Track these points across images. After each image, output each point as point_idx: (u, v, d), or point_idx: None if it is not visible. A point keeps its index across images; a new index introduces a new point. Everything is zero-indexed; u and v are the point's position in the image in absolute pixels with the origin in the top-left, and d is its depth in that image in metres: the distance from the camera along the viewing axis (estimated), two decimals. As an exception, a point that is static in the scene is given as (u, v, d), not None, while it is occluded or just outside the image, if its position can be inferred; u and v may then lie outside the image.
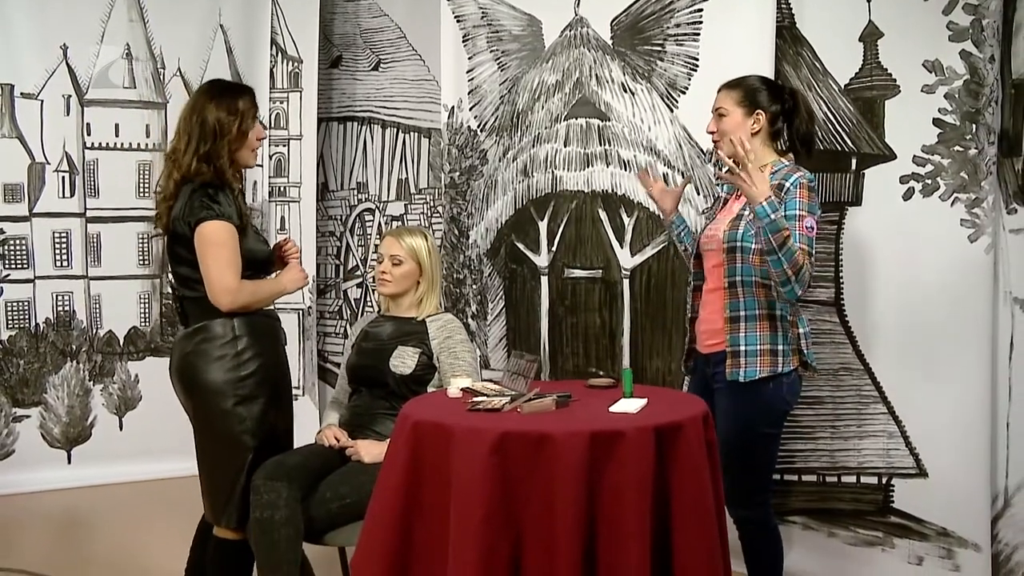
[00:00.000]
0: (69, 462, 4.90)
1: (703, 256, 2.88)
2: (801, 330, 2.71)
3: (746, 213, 2.69)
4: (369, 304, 5.38)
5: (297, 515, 2.63)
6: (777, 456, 2.83)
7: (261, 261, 2.80)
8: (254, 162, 2.83)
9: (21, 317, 4.82)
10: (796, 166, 2.73)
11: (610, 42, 3.90)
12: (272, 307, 2.88)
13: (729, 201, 2.90)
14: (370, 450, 2.86)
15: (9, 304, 4.80)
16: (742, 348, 2.68)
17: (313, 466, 2.81)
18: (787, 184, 2.65)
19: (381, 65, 5.29)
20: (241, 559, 2.76)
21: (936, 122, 3.03)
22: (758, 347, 2.68)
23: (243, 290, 2.65)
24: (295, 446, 2.96)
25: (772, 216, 2.52)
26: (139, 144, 5.00)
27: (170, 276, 2.83)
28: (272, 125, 5.24)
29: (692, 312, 2.93)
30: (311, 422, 5.10)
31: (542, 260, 4.10)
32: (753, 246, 2.66)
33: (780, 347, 2.68)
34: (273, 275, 2.92)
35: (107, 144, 4.96)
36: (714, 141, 2.86)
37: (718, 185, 3.00)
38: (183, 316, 2.78)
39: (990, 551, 2.98)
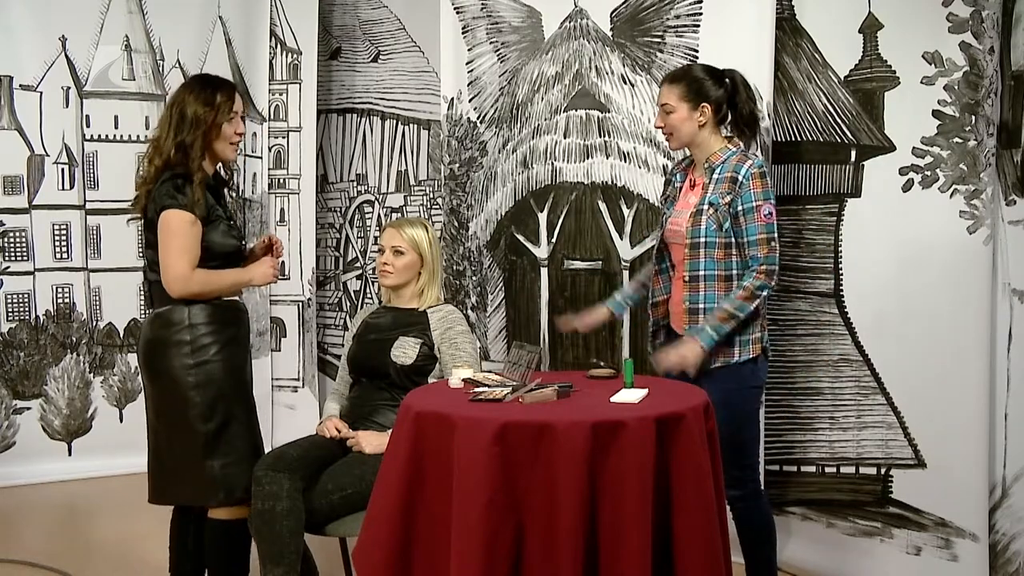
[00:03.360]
0: (69, 454, 4.91)
1: (669, 247, 2.95)
2: (752, 309, 2.75)
3: (705, 207, 2.78)
4: (369, 296, 5.38)
5: (299, 506, 2.64)
6: (759, 435, 2.89)
7: (227, 254, 2.81)
8: (233, 155, 2.87)
9: (21, 309, 4.83)
10: (743, 152, 2.82)
11: (610, 34, 3.90)
12: (238, 297, 2.90)
13: (684, 189, 2.96)
14: (371, 441, 2.87)
15: (9, 296, 4.80)
16: (701, 329, 2.76)
17: (314, 457, 2.82)
18: (739, 177, 2.75)
19: (380, 57, 5.29)
20: (240, 539, 2.79)
21: (935, 114, 3.03)
22: (703, 329, 2.75)
23: (193, 279, 2.68)
24: (297, 438, 2.98)
25: (720, 334, 2.71)
26: (138, 136, 5.00)
27: (144, 261, 2.87)
28: (271, 117, 5.24)
29: (654, 296, 3.01)
30: (311, 414, 5.12)
31: (542, 252, 4.10)
32: (717, 240, 2.77)
33: (737, 337, 2.77)
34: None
35: (106, 136, 4.96)
36: (666, 136, 2.94)
37: (672, 175, 3.04)
38: (149, 300, 2.84)
39: (988, 541, 2.99)
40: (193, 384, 2.71)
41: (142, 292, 2.94)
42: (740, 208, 2.74)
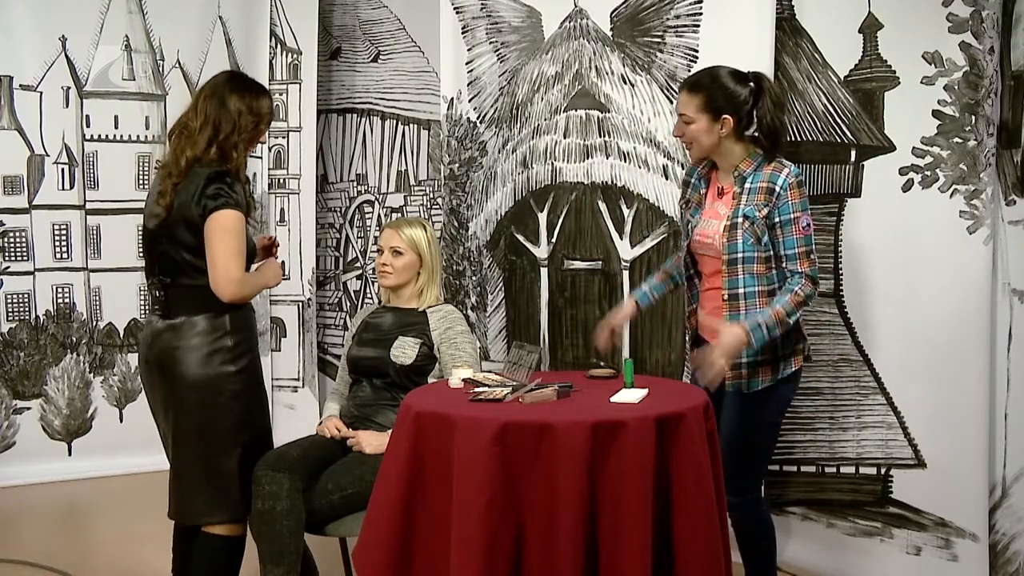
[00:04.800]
0: (70, 454, 4.90)
1: (696, 258, 2.85)
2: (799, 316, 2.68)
3: (740, 221, 2.66)
4: (369, 296, 5.38)
5: (299, 506, 2.64)
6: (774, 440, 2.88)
7: (253, 249, 2.81)
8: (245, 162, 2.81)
9: (21, 309, 4.83)
10: (779, 161, 2.69)
11: (610, 33, 3.90)
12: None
13: (709, 196, 2.83)
14: (371, 441, 2.87)
15: (9, 296, 4.80)
16: (743, 360, 2.67)
17: (314, 457, 2.82)
18: (776, 188, 2.63)
19: (380, 57, 5.29)
20: (234, 557, 2.73)
21: (935, 114, 3.03)
22: (759, 358, 2.68)
23: (247, 282, 2.63)
24: (297, 438, 2.98)
25: (770, 333, 2.58)
26: (138, 136, 5.00)
27: (157, 262, 2.69)
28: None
29: (691, 304, 2.93)
30: (311, 414, 5.12)
31: (542, 252, 4.10)
32: (756, 254, 2.65)
33: (780, 353, 2.70)
34: (253, 269, 2.87)
35: (106, 136, 4.96)
36: (684, 144, 2.83)
37: (692, 177, 2.89)
38: (165, 306, 2.67)
39: (988, 541, 2.99)
40: (234, 393, 2.65)
41: (143, 295, 2.77)
42: (778, 220, 2.62)
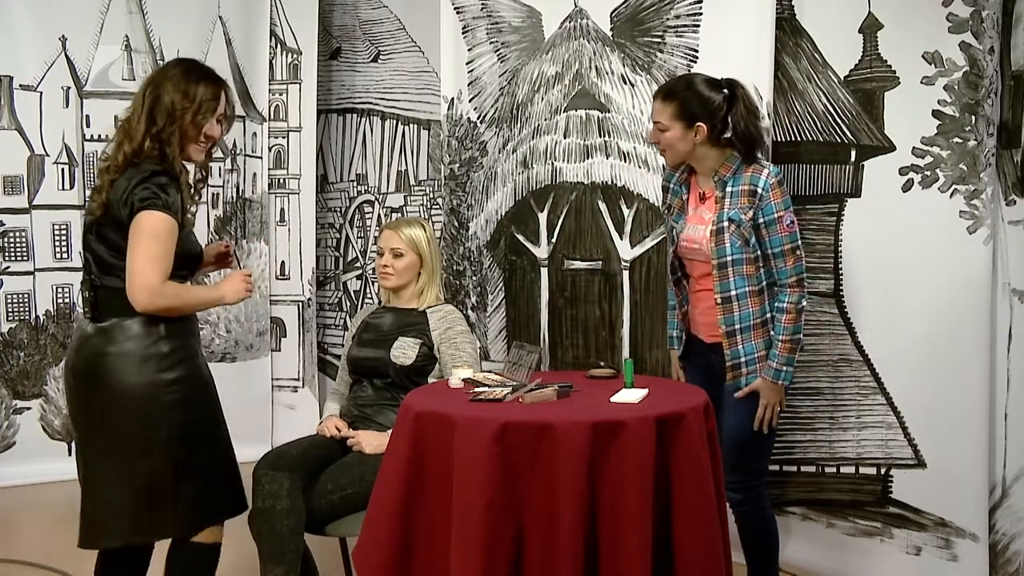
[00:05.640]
0: (70, 454, 4.89)
1: (685, 262, 2.91)
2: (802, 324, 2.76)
3: (727, 224, 2.70)
4: (369, 296, 5.38)
5: (299, 505, 2.64)
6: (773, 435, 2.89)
7: (193, 262, 2.56)
8: (200, 159, 2.54)
9: (21, 309, 4.83)
10: (758, 163, 2.73)
11: (610, 33, 3.90)
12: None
13: (691, 201, 2.87)
14: (371, 441, 2.87)
15: (9, 296, 4.80)
16: (742, 359, 2.76)
17: (314, 457, 2.82)
18: (758, 189, 2.68)
19: (380, 57, 5.29)
20: (212, 565, 2.56)
21: (935, 114, 3.03)
22: (756, 355, 2.75)
23: (165, 292, 2.34)
24: (293, 438, 2.98)
25: (792, 364, 2.71)
26: (138, 136, 5.00)
27: (88, 260, 2.47)
28: (271, 117, 5.24)
29: (682, 306, 3.00)
30: (311, 414, 5.12)
31: (542, 252, 4.10)
32: (744, 256, 2.71)
33: (795, 361, 2.76)
34: (211, 282, 2.70)
35: (107, 136, 4.94)
36: (661, 152, 2.87)
37: (671, 182, 2.94)
38: (94, 308, 2.44)
39: (988, 541, 2.99)
40: (171, 403, 2.40)
41: (82, 297, 2.45)
42: (762, 220, 2.68)
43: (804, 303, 2.71)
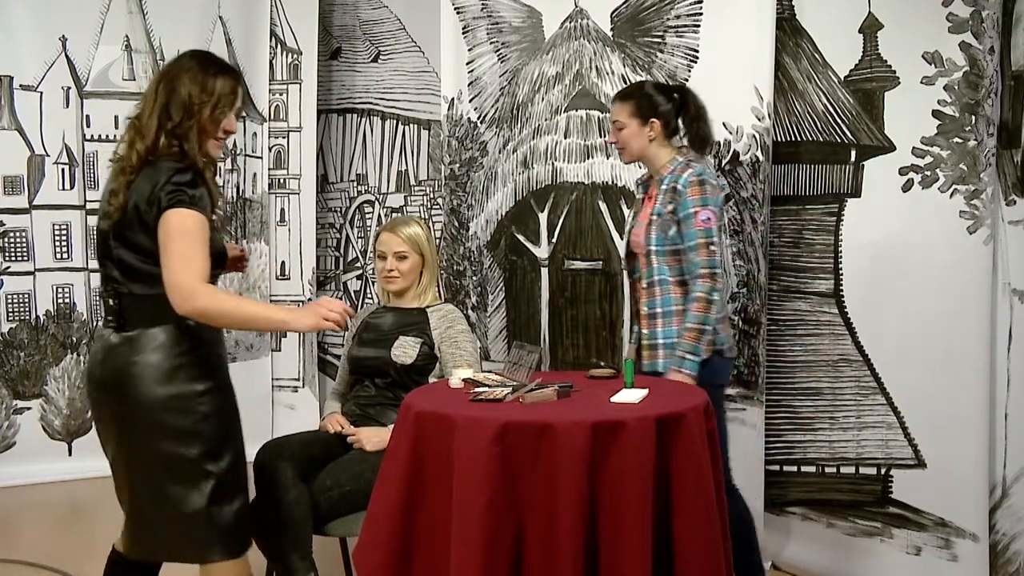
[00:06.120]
0: (70, 454, 4.91)
1: (636, 256, 3.02)
2: (715, 316, 2.84)
3: (655, 218, 2.89)
4: (369, 295, 5.38)
5: (305, 493, 2.66)
6: (725, 434, 2.88)
7: (220, 254, 2.41)
8: (218, 154, 2.43)
9: (21, 309, 4.83)
10: (687, 163, 2.89)
11: (610, 34, 3.90)
12: None
13: (644, 201, 3.03)
14: (372, 438, 2.87)
15: (9, 296, 4.80)
16: (659, 342, 2.88)
17: (314, 452, 2.83)
18: (679, 186, 2.85)
19: (380, 57, 5.29)
20: None
21: (935, 114, 3.03)
22: (672, 340, 2.85)
23: (201, 293, 2.18)
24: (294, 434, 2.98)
25: (698, 353, 2.77)
26: (139, 136, 5.00)
27: (111, 267, 2.31)
28: (271, 117, 5.24)
29: (635, 305, 3.07)
30: (311, 414, 5.12)
31: (542, 252, 4.10)
32: (665, 247, 2.88)
33: (702, 350, 2.81)
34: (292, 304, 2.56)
35: (107, 136, 4.96)
36: (618, 150, 3.05)
37: (638, 188, 3.15)
38: (119, 317, 2.29)
39: (988, 541, 2.99)
40: (204, 415, 2.26)
41: (104, 306, 2.28)
42: (681, 215, 2.83)
43: (715, 296, 2.79)
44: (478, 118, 4.35)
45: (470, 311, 4.33)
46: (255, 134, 5.18)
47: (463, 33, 4.36)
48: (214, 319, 2.24)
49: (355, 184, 5.42)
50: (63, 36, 4.84)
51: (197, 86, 2.31)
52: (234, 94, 2.38)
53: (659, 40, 3.73)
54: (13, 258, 4.81)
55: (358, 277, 5.44)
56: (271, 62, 5.19)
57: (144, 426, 2.25)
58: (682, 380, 2.75)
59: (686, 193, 2.82)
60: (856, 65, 3.25)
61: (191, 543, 2.29)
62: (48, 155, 4.85)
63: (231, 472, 2.31)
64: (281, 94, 5.26)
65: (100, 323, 2.40)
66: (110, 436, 2.34)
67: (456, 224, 4.44)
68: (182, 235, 2.18)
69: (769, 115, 3.37)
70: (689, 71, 3.63)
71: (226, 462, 2.30)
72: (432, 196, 5.08)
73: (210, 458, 2.27)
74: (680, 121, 2.97)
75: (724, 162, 3.52)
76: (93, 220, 4.90)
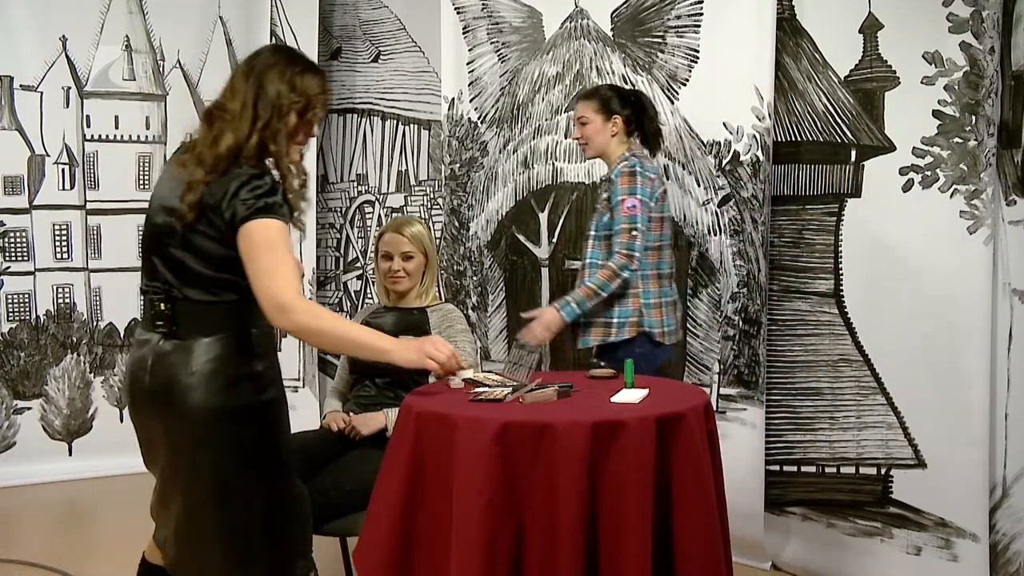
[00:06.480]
0: (70, 454, 4.91)
1: None
2: (643, 302, 3.09)
3: (599, 207, 3.19)
4: (369, 296, 5.38)
5: (304, 490, 2.66)
6: None
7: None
8: (297, 160, 2.21)
9: (22, 309, 4.83)
10: (628, 156, 3.12)
11: (610, 34, 3.90)
12: None
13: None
14: (367, 423, 2.89)
15: (9, 296, 4.80)
16: (583, 320, 3.11)
17: (314, 452, 2.83)
18: (612, 176, 3.11)
19: (381, 57, 5.29)
20: None
21: (936, 114, 3.03)
22: (593, 319, 3.09)
23: (300, 309, 2.04)
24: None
25: (581, 308, 3.03)
26: (139, 136, 5.00)
27: (162, 267, 2.16)
28: (272, 117, 5.24)
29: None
30: (312, 414, 5.12)
31: (542, 252, 4.10)
32: (601, 233, 3.13)
33: (614, 319, 3.08)
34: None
35: (107, 136, 4.96)
36: (581, 145, 3.29)
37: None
38: (171, 323, 2.14)
39: (988, 541, 2.99)
40: (264, 429, 2.17)
41: (151, 309, 2.03)
42: (613, 203, 3.08)
43: (625, 273, 3.02)
44: (478, 118, 4.35)
45: (470, 311, 4.33)
46: (255, 134, 5.18)
47: (463, 33, 4.37)
48: (310, 336, 2.14)
49: (355, 184, 5.42)
50: (63, 36, 4.84)
51: (286, 84, 2.15)
52: (324, 93, 2.23)
53: (659, 40, 3.73)
54: (13, 258, 4.81)
55: (358, 277, 5.44)
56: (271, 62, 5.19)
57: (203, 439, 2.10)
58: (549, 314, 3.02)
59: (617, 182, 3.07)
60: (856, 65, 3.25)
61: (241, 567, 2.17)
62: (48, 155, 4.86)
63: (290, 490, 2.25)
64: (281, 94, 5.26)
65: (139, 326, 2.26)
66: (159, 450, 2.19)
67: (456, 224, 4.44)
68: (269, 247, 2.03)
69: (769, 115, 3.37)
70: (689, 71, 3.63)
71: (281, 484, 2.22)
72: (432, 196, 5.08)
73: (268, 476, 2.18)
74: (636, 124, 3.22)
75: (724, 162, 3.53)
76: (93, 220, 4.95)
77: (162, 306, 2.15)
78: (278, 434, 2.21)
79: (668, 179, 3.72)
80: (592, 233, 3.16)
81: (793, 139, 3.44)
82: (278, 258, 2.04)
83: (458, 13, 4.38)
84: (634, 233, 3.01)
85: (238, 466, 2.13)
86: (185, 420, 2.10)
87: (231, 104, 2.13)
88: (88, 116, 4.92)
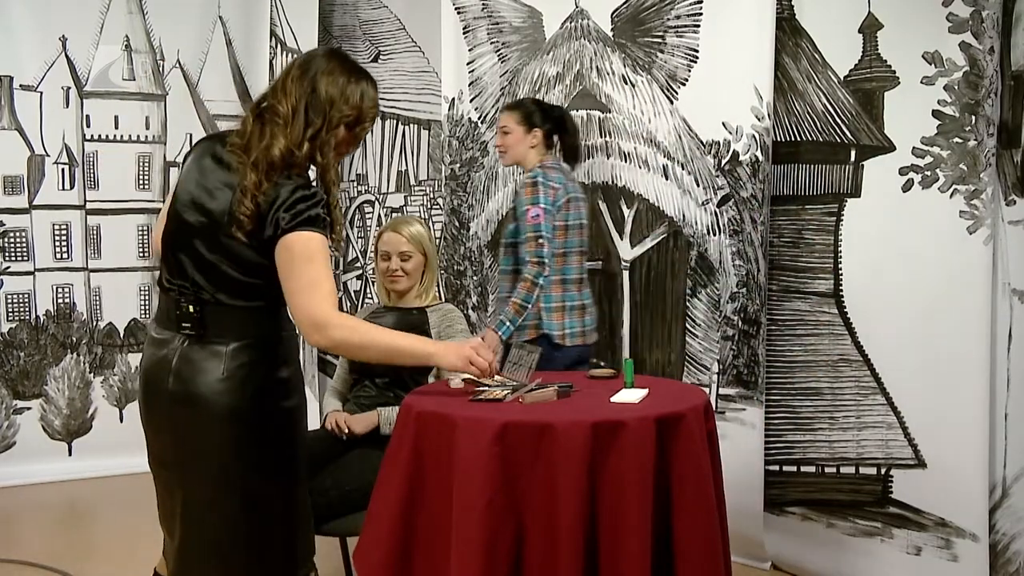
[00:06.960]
0: (70, 454, 4.91)
1: None
2: (543, 306, 3.27)
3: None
4: (369, 295, 5.38)
5: (304, 491, 2.66)
6: None
7: None
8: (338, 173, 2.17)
9: (21, 309, 4.83)
10: (532, 170, 3.28)
11: (610, 34, 3.90)
12: None
13: None
14: (359, 421, 2.89)
15: (9, 296, 4.80)
16: (498, 319, 3.27)
17: (314, 452, 2.82)
18: (517, 187, 3.31)
19: (380, 57, 5.29)
20: None
21: (935, 114, 3.03)
22: (500, 319, 3.24)
23: (336, 324, 2.01)
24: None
25: (514, 323, 3.20)
26: (139, 136, 5.00)
27: (192, 269, 2.09)
28: (272, 117, 5.24)
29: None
30: (310, 413, 5.11)
31: (542, 252, 4.10)
32: (508, 241, 3.33)
33: (519, 322, 3.22)
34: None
35: (106, 136, 4.96)
36: (500, 153, 3.47)
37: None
38: (199, 326, 2.08)
39: (988, 541, 2.99)
40: (290, 435, 2.17)
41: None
42: (518, 213, 3.26)
43: (541, 281, 3.18)
44: (479, 118, 4.35)
45: (470, 311, 4.33)
46: (255, 134, 5.18)
47: (463, 33, 4.37)
48: (350, 350, 2.13)
49: (355, 184, 5.42)
50: (63, 36, 4.84)
51: (338, 91, 2.09)
52: (375, 106, 2.17)
53: (659, 40, 3.73)
54: (13, 258, 4.81)
55: (358, 277, 5.44)
56: (271, 62, 5.19)
57: (228, 445, 2.09)
58: (490, 337, 3.18)
59: (522, 193, 3.25)
60: (856, 65, 3.25)
61: (260, 568, 2.16)
62: (48, 155, 4.85)
63: (305, 496, 2.25)
64: (281, 94, 5.25)
65: (155, 324, 2.19)
66: (179, 455, 2.13)
67: (457, 224, 4.44)
68: (309, 260, 1.99)
69: (769, 115, 3.37)
70: (689, 71, 3.63)
71: (302, 485, 2.24)
72: (432, 196, 5.08)
73: (293, 482, 2.19)
74: (557, 136, 3.39)
75: (724, 162, 3.53)
76: (93, 220, 4.95)
77: (190, 308, 2.09)
78: (299, 440, 2.21)
79: (667, 179, 3.72)
80: (503, 241, 3.37)
81: (793, 139, 3.44)
82: (317, 272, 2.00)
83: (458, 13, 4.38)
84: (540, 241, 3.19)
85: (263, 471, 2.13)
86: (213, 424, 2.07)
87: (281, 107, 2.07)
88: (88, 116, 4.92)
